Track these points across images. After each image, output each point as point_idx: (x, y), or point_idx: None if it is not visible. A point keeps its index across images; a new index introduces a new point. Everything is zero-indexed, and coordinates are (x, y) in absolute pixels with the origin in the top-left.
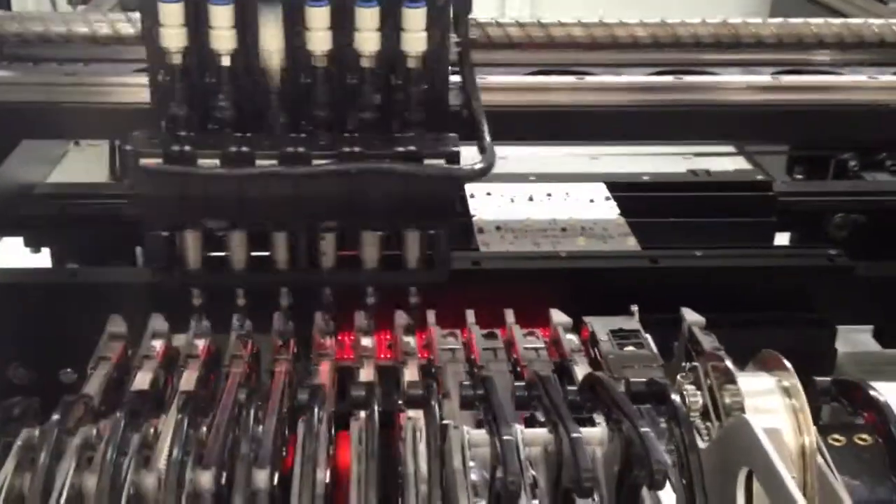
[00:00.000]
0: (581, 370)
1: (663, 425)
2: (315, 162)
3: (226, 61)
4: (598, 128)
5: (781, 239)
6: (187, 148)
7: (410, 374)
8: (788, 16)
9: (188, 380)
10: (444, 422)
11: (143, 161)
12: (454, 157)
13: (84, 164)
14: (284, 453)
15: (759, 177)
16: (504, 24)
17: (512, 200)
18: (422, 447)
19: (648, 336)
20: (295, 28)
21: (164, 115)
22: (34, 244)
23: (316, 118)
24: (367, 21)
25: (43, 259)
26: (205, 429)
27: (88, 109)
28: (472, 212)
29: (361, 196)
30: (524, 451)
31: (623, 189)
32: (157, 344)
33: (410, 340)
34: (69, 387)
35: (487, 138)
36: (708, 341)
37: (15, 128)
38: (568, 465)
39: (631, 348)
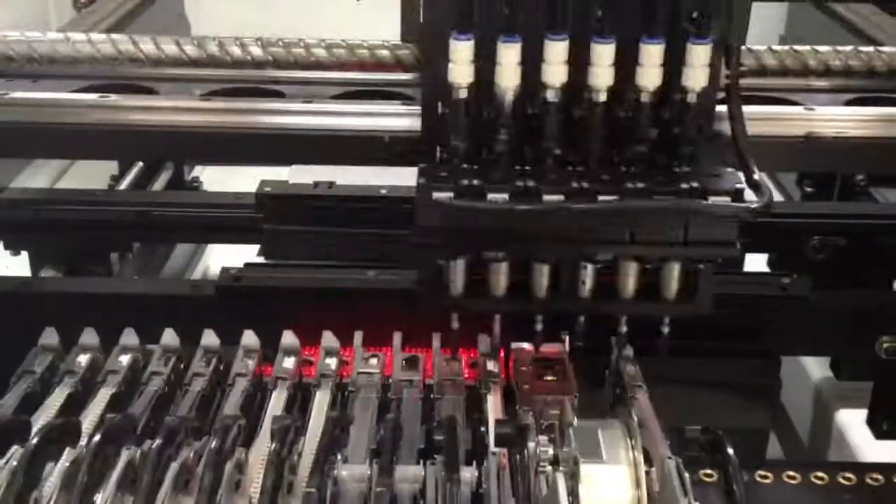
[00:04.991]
0: (493, 399)
1: None
2: (600, 198)
3: (509, 96)
4: None
5: (758, 260)
6: (476, 182)
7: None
8: (803, 30)
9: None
10: None
11: (437, 195)
12: (739, 195)
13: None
14: None
15: None
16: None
17: None
18: None
19: (570, 366)
20: (577, 64)
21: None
22: (13, 247)
23: (591, 151)
24: (652, 56)
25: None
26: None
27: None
28: None
29: (639, 229)
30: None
31: None
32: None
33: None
34: None
35: (757, 173)
36: (630, 373)
37: None
38: None
39: (551, 377)
